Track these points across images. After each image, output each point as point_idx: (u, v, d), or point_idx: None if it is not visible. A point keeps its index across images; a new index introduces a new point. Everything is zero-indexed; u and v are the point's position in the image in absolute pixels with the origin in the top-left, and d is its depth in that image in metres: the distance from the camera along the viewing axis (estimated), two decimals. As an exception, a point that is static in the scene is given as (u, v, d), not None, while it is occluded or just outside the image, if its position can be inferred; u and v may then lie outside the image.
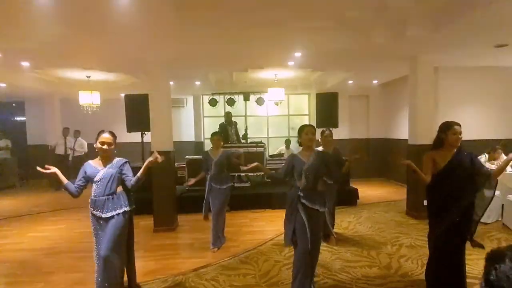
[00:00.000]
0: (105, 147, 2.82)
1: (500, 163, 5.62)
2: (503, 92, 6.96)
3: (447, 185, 2.83)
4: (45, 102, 9.65)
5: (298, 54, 5.50)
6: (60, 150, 8.98)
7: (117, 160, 2.93)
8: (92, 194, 2.84)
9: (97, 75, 7.06)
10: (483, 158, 5.73)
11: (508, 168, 5.48)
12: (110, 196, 2.82)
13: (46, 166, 2.75)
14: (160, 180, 5.25)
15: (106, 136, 2.84)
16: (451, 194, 2.82)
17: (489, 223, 5.02)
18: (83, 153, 9.07)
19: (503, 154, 5.72)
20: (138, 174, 2.87)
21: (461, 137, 2.87)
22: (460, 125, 2.91)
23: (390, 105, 9.40)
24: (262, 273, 3.63)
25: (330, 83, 8.63)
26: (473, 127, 6.63)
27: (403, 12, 3.95)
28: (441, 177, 2.86)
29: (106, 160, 2.89)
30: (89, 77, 7.04)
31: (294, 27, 4.24)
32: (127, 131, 6.47)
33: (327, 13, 3.93)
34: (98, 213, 2.79)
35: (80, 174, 2.87)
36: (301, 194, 2.89)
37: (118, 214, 2.82)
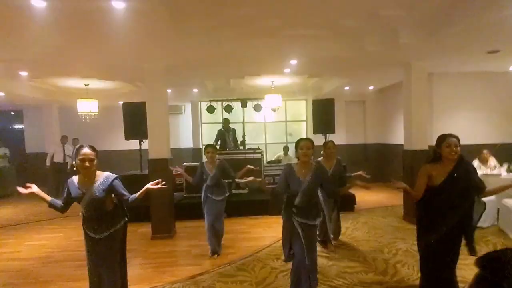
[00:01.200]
0: (86, 164, 2.54)
1: (491, 165, 5.70)
2: (496, 97, 7.03)
3: (438, 201, 2.75)
4: (43, 110, 9.70)
5: (294, 62, 5.56)
6: (58, 158, 9.01)
7: (104, 178, 2.65)
8: (82, 212, 2.69)
9: (95, 84, 7.12)
10: (475, 163, 5.79)
11: (503, 173, 5.54)
12: (100, 217, 2.65)
13: (27, 184, 2.54)
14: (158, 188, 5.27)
15: (86, 152, 2.56)
16: (440, 209, 2.75)
17: (485, 227, 5.04)
18: (81, 160, 9.09)
19: (492, 157, 5.81)
20: (137, 195, 2.71)
21: (457, 150, 2.71)
22: (456, 137, 2.76)
23: (386, 111, 9.48)
24: (259, 280, 3.64)
25: (327, 89, 8.70)
26: (467, 132, 6.69)
27: (396, 20, 4.02)
28: (435, 193, 2.77)
29: (89, 178, 2.64)
30: (87, 85, 7.09)
31: (289, 36, 4.31)
32: (125, 139, 6.51)
33: (322, 22, 4.00)
34: (90, 233, 2.66)
35: (64, 192, 2.68)
36: (294, 211, 2.89)
37: (110, 234, 2.66)
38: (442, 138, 2.79)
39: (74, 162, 2.66)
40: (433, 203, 2.78)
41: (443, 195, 2.72)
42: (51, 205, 2.66)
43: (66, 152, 9.03)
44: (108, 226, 2.67)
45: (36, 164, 9.83)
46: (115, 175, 2.74)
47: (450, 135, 2.78)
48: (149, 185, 2.73)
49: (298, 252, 2.88)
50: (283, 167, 3.17)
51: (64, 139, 9.10)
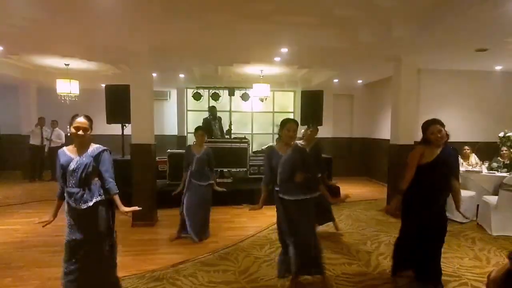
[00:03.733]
0: (80, 132, 2.53)
1: (473, 162, 5.82)
2: (482, 96, 7.16)
3: (430, 179, 2.91)
4: (20, 90, 9.22)
5: (284, 50, 5.46)
6: (35, 141, 8.63)
7: (94, 148, 2.64)
8: (67, 184, 2.62)
9: (77, 64, 6.80)
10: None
11: (484, 170, 5.66)
12: (84, 188, 2.57)
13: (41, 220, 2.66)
14: (140, 174, 5.11)
15: (81, 121, 2.56)
16: (433, 188, 2.92)
17: (464, 222, 5.16)
18: (60, 144, 8.75)
19: (473, 154, 5.93)
20: (117, 198, 2.70)
21: (442, 135, 2.91)
22: (440, 123, 2.95)
23: (373, 105, 9.53)
24: (242, 269, 3.59)
25: (316, 81, 8.66)
26: (450, 129, 6.75)
27: (390, 11, 3.97)
28: (426, 171, 2.94)
29: (82, 147, 2.61)
30: (67, 65, 6.77)
31: (282, 22, 4.19)
32: (107, 123, 6.27)
33: (315, 10, 3.90)
34: (73, 204, 2.57)
35: (58, 168, 2.61)
36: (277, 189, 2.92)
37: (94, 205, 2.58)
38: (426, 126, 2.99)
39: (68, 129, 2.64)
40: (423, 182, 2.93)
41: (431, 176, 2.90)
42: (61, 197, 2.66)
43: (44, 134, 8.66)
44: (90, 197, 2.59)
45: (11, 146, 9.39)
46: (107, 148, 2.69)
47: (434, 122, 2.97)
48: (125, 210, 2.71)
49: (283, 236, 2.94)
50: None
51: (41, 121, 8.71)
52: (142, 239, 4.54)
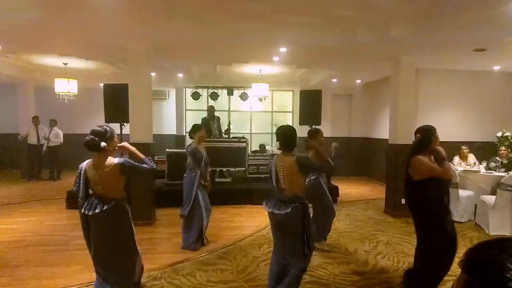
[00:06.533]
0: None
1: (471, 162, 5.82)
2: (480, 96, 7.17)
3: (434, 188, 2.79)
4: (18, 89, 9.20)
5: (283, 49, 5.46)
6: (32, 140, 8.59)
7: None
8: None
9: (75, 63, 6.79)
10: (456, 159, 5.91)
11: (482, 170, 5.67)
12: None
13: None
14: (138, 173, 5.10)
15: None
16: (438, 197, 2.80)
17: (463, 222, 5.18)
18: (58, 143, 8.72)
19: (471, 154, 5.93)
20: None
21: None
22: (418, 131, 2.96)
23: (371, 105, 9.54)
24: (240, 268, 3.59)
25: (314, 80, 8.66)
26: (449, 129, 6.80)
27: (388, 11, 3.98)
28: (434, 181, 2.79)
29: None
30: (66, 64, 6.75)
31: (280, 21, 4.19)
32: (105, 122, 6.23)
33: (314, 9, 3.90)
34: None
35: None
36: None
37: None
38: (433, 130, 2.88)
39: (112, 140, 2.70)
40: (436, 193, 2.79)
41: (434, 184, 2.77)
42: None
43: (40, 133, 8.61)
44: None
45: (9, 145, 9.36)
46: None
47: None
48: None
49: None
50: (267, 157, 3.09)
51: (35, 120, 8.61)
52: (140, 238, 4.45)
